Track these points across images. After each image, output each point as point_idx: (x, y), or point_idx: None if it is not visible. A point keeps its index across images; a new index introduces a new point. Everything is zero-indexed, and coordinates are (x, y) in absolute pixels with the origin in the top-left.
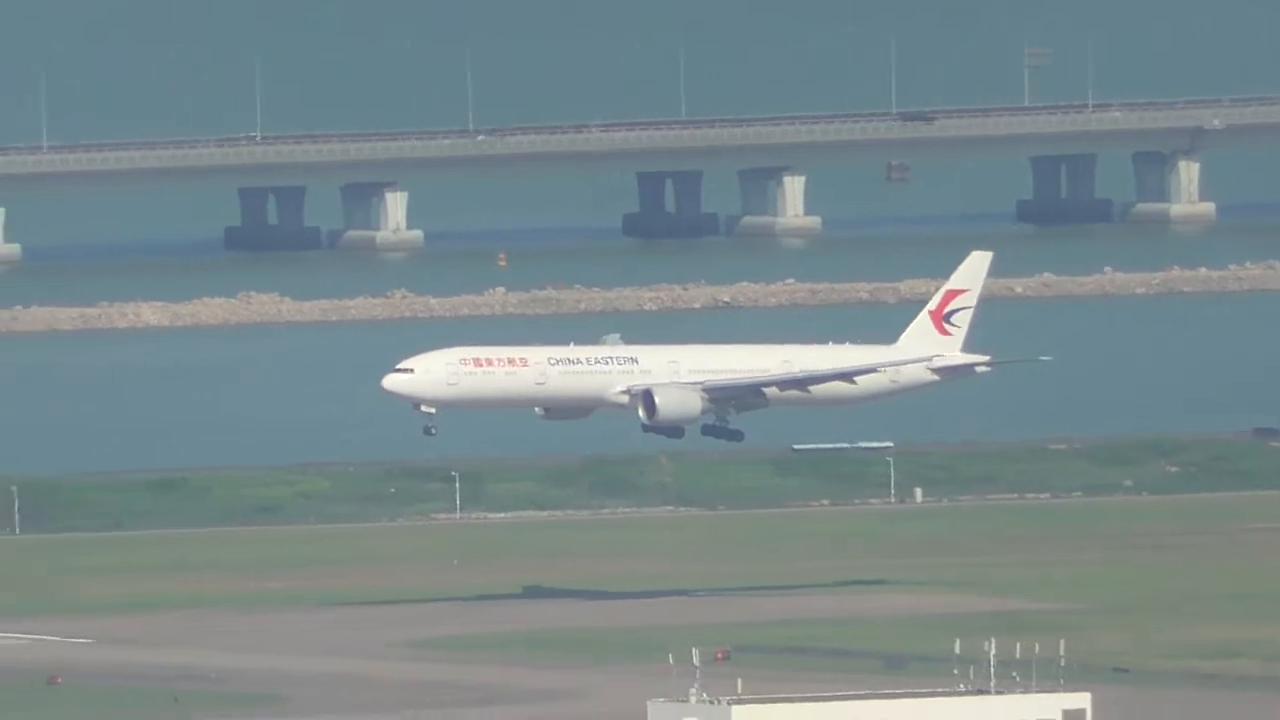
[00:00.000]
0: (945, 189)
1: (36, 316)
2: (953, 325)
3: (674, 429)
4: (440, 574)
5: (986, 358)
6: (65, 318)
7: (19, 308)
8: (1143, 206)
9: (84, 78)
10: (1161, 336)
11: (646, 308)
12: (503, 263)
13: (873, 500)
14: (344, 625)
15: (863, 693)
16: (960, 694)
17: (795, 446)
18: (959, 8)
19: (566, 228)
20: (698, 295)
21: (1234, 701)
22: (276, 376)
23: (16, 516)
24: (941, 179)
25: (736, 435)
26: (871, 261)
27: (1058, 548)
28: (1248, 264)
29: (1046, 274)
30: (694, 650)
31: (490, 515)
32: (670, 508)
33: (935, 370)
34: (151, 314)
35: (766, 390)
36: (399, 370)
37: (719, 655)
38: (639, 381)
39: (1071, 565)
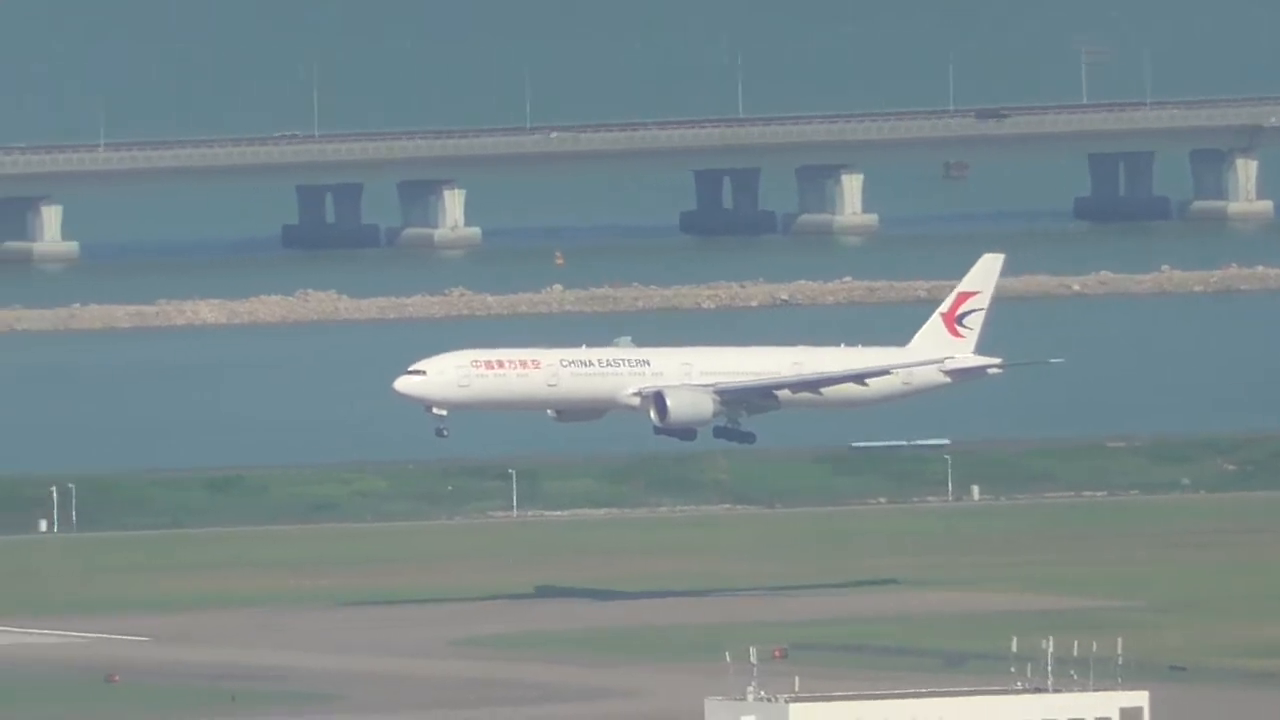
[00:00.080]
0: (1003, 187)
1: (94, 314)
2: (965, 327)
3: (686, 431)
4: (497, 572)
5: (998, 360)
6: (122, 315)
7: (76, 305)
8: (1200, 204)
9: (140, 76)
10: (1220, 334)
11: (704, 306)
12: (560, 261)
13: (930, 498)
14: (401, 623)
15: (920, 691)
16: (1018, 692)
17: (853, 444)
18: (1017, 6)
19: (624, 225)
20: (755, 293)
21: None
22: (333, 374)
23: (73, 514)
24: (999, 177)
25: (748, 437)
26: (929, 259)
27: (1115, 546)
28: None
29: (1104, 272)
30: (751, 648)
31: (547, 513)
32: (727, 505)
33: (947, 372)
34: (209, 312)
35: (778, 392)
36: (411, 372)
37: (776, 653)
38: (651, 383)
39: (1128, 563)
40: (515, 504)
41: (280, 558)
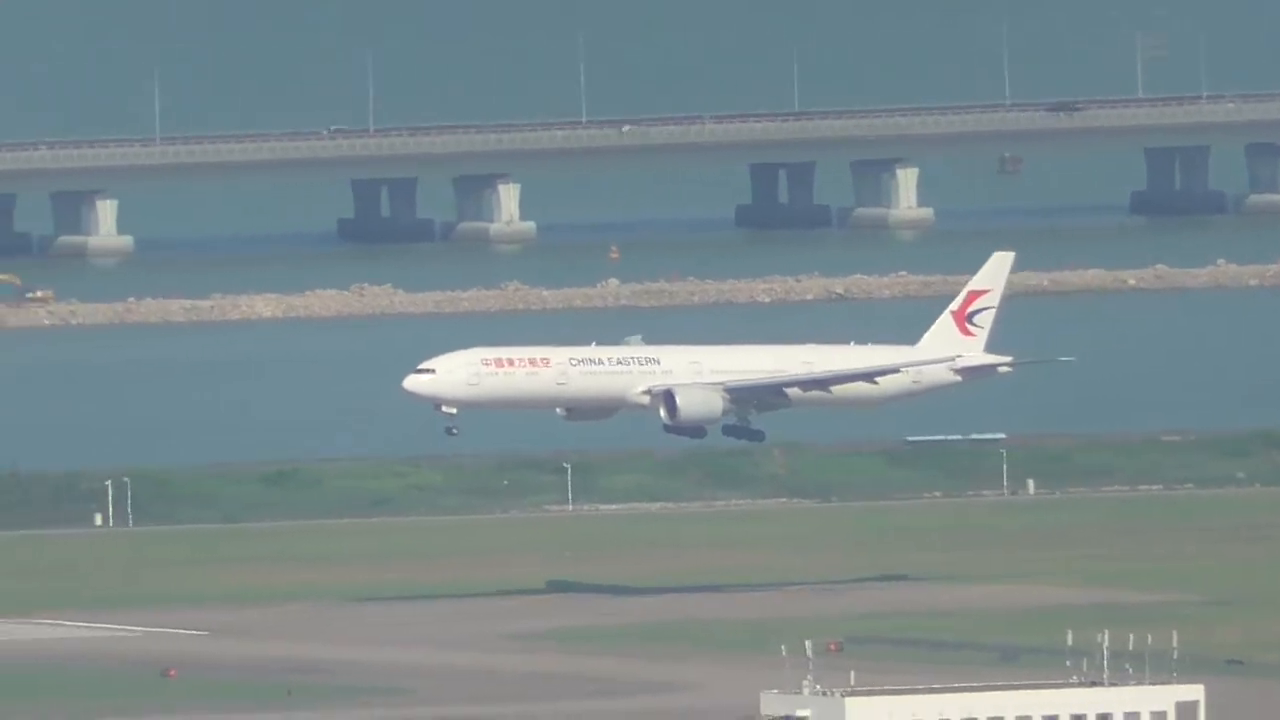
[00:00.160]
0: (1058, 181)
1: (149, 309)
2: (975, 326)
3: (696, 429)
4: (553, 565)
5: (1009, 358)
6: (177, 310)
7: (132, 300)
8: (1256, 198)
9: (196, 70)
10: (1276, 327)
11: (759, 299)
12: (615, 255)
13: (985, 492)
14: (457, 617)
15: (975, 684)
16: (1073, 686)
17: (908, 438)
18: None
19: (679, 219)
20: (810, 287)
21: None
22: (389, 368)
23: (129, 508)
24: (1055, 171)
25: (758, 435)
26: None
27: (1170, 539)
28: None
29: (1160, 266)
30: (807, 642)
31: (602, 507)
32: (783, 499)
33: (957, 371)
34: (265, 306)
35: (788, 390)
36: (420, 371)
37: (832, 647)
38: (660, 382)
39: (1184, 557)
40: (570, 498)
41: (335, 552)
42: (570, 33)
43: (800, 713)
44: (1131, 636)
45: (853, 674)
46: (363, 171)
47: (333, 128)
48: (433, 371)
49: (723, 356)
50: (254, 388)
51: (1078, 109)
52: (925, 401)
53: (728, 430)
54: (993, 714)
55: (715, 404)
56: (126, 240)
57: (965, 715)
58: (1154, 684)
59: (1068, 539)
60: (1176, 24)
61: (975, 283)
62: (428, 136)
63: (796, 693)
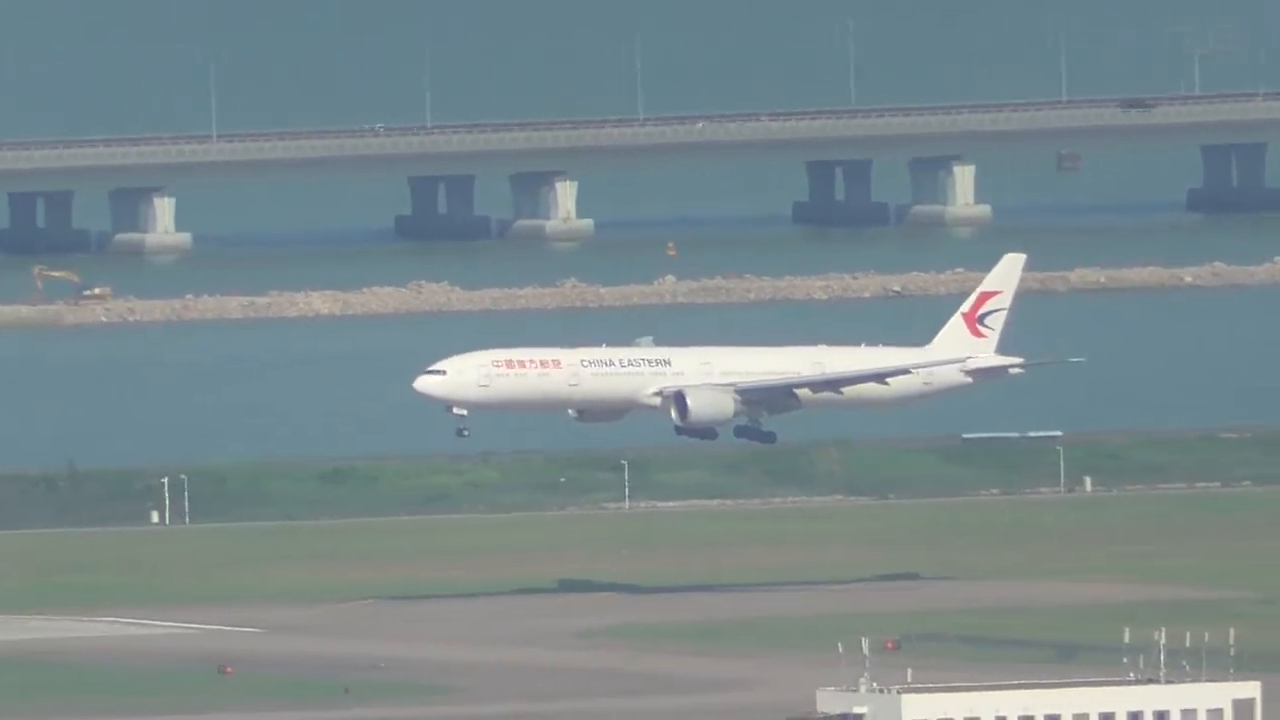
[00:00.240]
0: (1116, 178)
1: (206, 305)
2: (986, 327)
3: (707, 431)
4: (611, 563)
5: (1020, 359)
6: (235, 307)
7: (189, 297)
8: None
9: (253, 67)
10: None
11: (816, 297)
12: (672, 252)
13: (1042, 489)
14: (514, 614)
15: (1032, 682)
16: (1130, 683)
17: (965, 435)
18: None
19: (736, 217)
20: (867, 284)
21: None
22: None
23: (185, 506)
24: (1112, 168)
25: (769, 437)
26: (1041, 251)
27: (1228, 537)
28: None
29: (1217, 263)
30: (863, 639)
31: (660, 504)
32: (840, 496)
33: (968, 372)
34: (322, 303)
35: (799, 392)
36: (431, 372)
37: (889, 644)
38: (671, 383)
39: (1241, 554)
40: (628, 495)
41: (392, 549)
42: (628, 30)
43: (857, 709)
44: (1188, 634)
45: (910, 671)
46: (420, 169)
47: (379, 126)
48: (443, 373)
49: (733, 358)
50: (310, 384)
51: (1149, 106)
52: (982, 398)
53: (739, 432)
54: (1049, 711)
55: (726, 405)
56: (184, 237)
57: (1022, 713)
58: (1210, 681)
59: (1125, 536)
60: (1233, 20)
61: (987, 284)
62: (485, 134)
63: (853, 690)
